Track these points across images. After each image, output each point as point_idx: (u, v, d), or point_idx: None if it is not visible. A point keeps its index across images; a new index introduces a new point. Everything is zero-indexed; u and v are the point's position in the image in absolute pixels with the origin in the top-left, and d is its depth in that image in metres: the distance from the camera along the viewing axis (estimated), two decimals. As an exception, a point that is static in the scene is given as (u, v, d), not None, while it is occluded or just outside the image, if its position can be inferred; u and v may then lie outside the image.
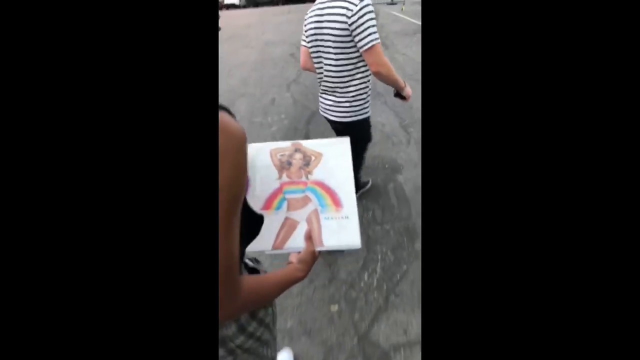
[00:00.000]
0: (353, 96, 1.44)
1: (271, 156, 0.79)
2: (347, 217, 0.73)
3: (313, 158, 0.78)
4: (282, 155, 0.79)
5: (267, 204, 0.75)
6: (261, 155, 0.78)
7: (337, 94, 1.46)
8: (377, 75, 1.33)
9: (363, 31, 1.23)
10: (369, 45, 1.24)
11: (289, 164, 0.78)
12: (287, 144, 0.80)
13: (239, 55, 6.83)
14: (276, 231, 0.71)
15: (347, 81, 1.40)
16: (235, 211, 0.47)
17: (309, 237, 0.69)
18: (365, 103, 1.50)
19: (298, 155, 0.78)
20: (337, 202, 0.75)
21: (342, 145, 0.79)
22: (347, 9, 1.24)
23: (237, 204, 0.47)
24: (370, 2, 1.24)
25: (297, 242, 0.71)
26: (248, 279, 0.53)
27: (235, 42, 8.40)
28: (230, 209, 0.45)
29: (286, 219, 0.74)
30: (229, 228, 0.46)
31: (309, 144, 0.80)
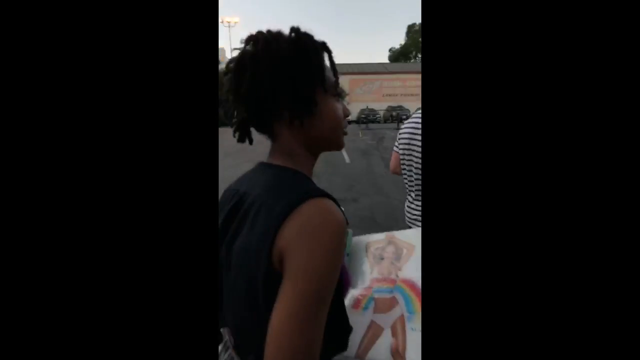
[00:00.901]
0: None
1: (367, 249, 0.76)
2: None
3: (405, 251, 0.73)
4: (376, 248, 0.76)
5: (357, 303, 0.70)
6: (357, 250, 0.75)
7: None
8: None
9: None
10: None
11: (381, 258, 0.74)
12: (382, 236, 0.76)
13: (241, 169, 5.92)
14: (361, 335, 0.64)
15: None
16: (325, 300, 0.43)
17: (396, 353, 0.61)
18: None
19: (390, 249, 0.74)
20: None
21: None
22: None
23: (328, 293, 0.43)
24: None
25: (379, 353, 0.63)
26: None
27: (237, 157, 7.87)
28: (321, 297, 0.42)
29: (372, 322, 0.67)
30: (315, 317, 0.41)
31: (403, 235, 0.75)
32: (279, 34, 0.51)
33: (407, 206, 1.55)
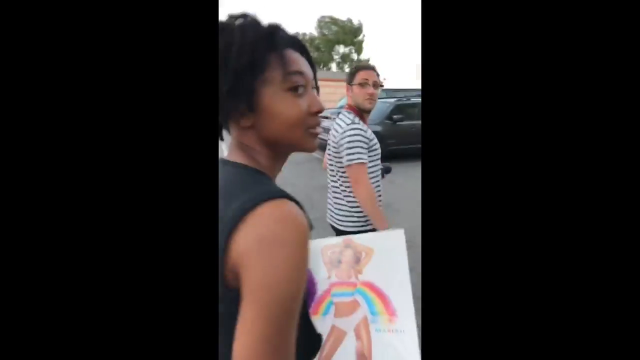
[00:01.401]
0: (351, 206, 1.38)
1: (322, 254, 0.73)
2: (402, 331, 0.62)
3: (364, 254, 0.71)
4: (332, 252, 0.73)
5: (315, 308, 0.67)
6: (313, 254, 0.69)
7: (338, 200, 1.43)
8: (354, 194, 1.31)
9: (344, 150, 1.29)
10: (347, 162, 1.29)
11: (339, 262, 0.72)
12: (338, 239, 0.74)
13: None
14: (322, 341, 0.58)
15: (346, 189, 1.38)
16: (293, 313, 0.37)
17: (361, 356, 0.60)
18: (364, 218, 1.37)
19: (348, 252, 0.72)
20: (390, 310, 0.65)
21: (396, 240, 0.70)
22: (336, 130, 1.37)
23: (295, 303, 0.38)
24: (357, 126, 1.30)
25: (344, 357, 0.61)
26: None
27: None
28: (289, 308, 0.37)
29: (333, 327, 0.65)
30: (285, 335, 0.37)
31: (360, 239, 0.74)
32: (225, 24, 0.46)
33: (329, 207, 1.48)
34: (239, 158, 0.48)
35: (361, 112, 1.35)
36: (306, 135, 0.47)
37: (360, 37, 31.56)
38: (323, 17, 30.81)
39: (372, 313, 0.65)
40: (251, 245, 0.37)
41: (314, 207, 3.81)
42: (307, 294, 0.50)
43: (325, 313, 0.67)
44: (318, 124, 0.49)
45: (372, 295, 0.67)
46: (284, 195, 0.41)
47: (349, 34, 30.79)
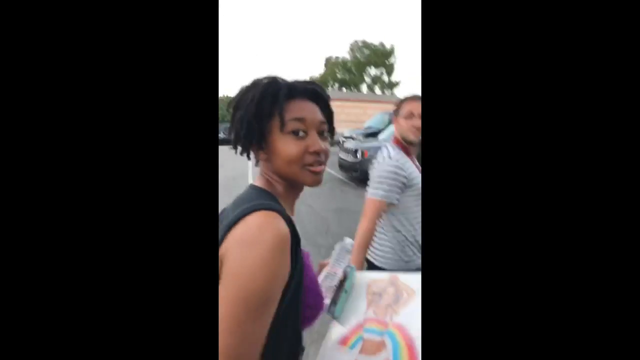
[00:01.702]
0: (384, 242, 1.30)
1: (367, 287, 0.74)
2: None
3: (405, 295, 0.70)
4: (377, 287, 0.73)
5: (346, 339, 0.68)
6: (359, 286, 0.73)
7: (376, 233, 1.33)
8: (359, 225, 1.24)
9: (371, 182, 1.26)
10: (367, 195, 1.25)
11: (380, 297, 0.71)
12: (385, 275, 0.75)
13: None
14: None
15: (380, 225, 1.31)
16: (256, 306, 0.43)
17: None
18: (389, 254, 1.28)
19: (391, 290, 0.72)
20: (413, 356, 0.62)
21: None
22: (375, 162, 1.33)
23: (259, 300, 0.43)
24: (392, 162, 1.21)
25: None
26: None
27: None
28: (250, 303, 0.43)
29: None
30: (245, 320, 0.42)
31: (406, 278, 0.72)
32: (255, 83, 0.59)
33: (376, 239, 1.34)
34: (258, 182, 0.59)
35: (406, 145, 1.28)
36: (303, 171, 0.55)
37: (391, 59, 31.87)
38: (356, 41, 31.73)
39: (395, 358, 0.64)
40: (232, 243, 0.45)
41: (329, 231, 3.53)
42: (299, 303, 0.54)
43: (353, 346, 0.67)
44: (317, 162, 0.56)
45: (400, 340, 0.67)
46: (272, 208, 0.49)
47: (381, 56, 31.25)
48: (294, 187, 0.60)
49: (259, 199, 0.52)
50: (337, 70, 31.64)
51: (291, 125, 0.55)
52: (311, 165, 0.56)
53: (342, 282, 0.72)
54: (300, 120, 0.56)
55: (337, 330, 0.69)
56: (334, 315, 0.69)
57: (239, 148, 0.59)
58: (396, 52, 31.69)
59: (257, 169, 0.63)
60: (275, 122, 0.55)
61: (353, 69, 31.70)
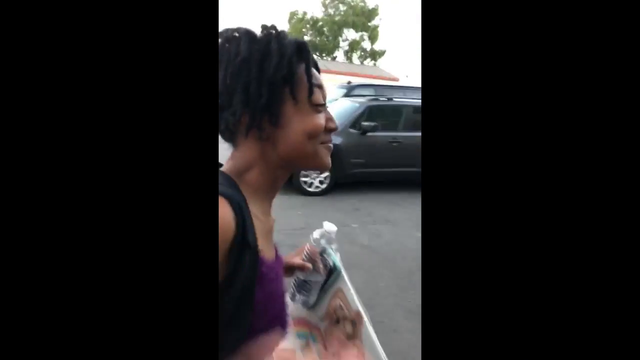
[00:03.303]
0: None
1: (335, 295, 0.69)
2: None
3: (355, 350, 0.64)
4: (341, 306, 0.67)
5: (299, 322, 0.70)
6: (333, 289, 0.69)
7: None
8: None
9: None
10: None
11: (337, 322, 0.67)
12: (356, 301, 0.66)
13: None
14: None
15: None
16: None
17: None
18: None
19: (348, 329, 0.66)
20: None
21: None
22: None
23: None
24: None
25: None
26: None
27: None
28: None
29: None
30: None
31: (366, 334, 0.63)
32: (245, 32, 0.48)
33: None
34: (227, 167, 0.51)
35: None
36: (322, 149, 0.50)
37: (374, 21, 26.83)
38: (331, -5, 26.20)
39: None
40: None
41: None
42: (257, 330, 0.48)
43: (298, 337, 0.69)
44: (330, 141, 0.52)
45: None
46: (223, 194, 0.44)
47: (361, 15, 26.07)
48: (282, 178, 0.53)
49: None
50: (304, 30, 26.05)
51: (317, 95, 0.49)
52: (328, 142, 0.52)
53: (326, 279, 0.68)
54: (322, 88, 0.50)
55: (289, 302, 0.68)
56: (307, 306, 0.69)
57: (245, 125, 0.48)
58: (380, 13, 26.71)
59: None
60: (299, 90, 0.48)
61: (325, 29, 26.40)
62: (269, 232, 0.55)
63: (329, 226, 0.73)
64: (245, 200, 0.47)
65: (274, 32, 0.48)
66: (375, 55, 26.45)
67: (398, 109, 5.37)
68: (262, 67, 0.46)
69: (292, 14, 27.05)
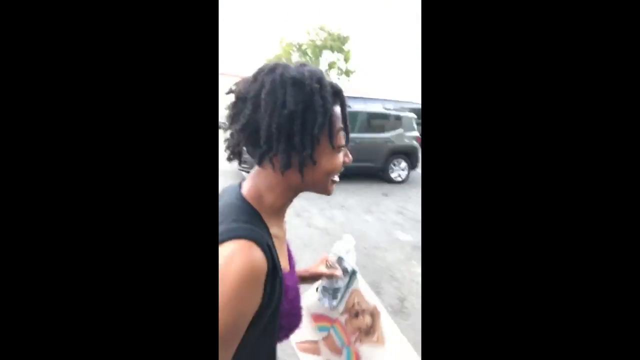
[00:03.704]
0: None
1: (352, 294, 0.78)
2: None
3: (375, 338, 0.73)
4: (359, 304, 0.76)
5: (318, 317, 0.81)
6: (351, 284, 0.78)
7: None
8: None
9: None
10: None
11: (356, 316, 0.76)
12: (373, 297, 0.77)
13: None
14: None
15: None
16: (221, 343, 0.45)
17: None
18: None
19: (368, 320, 0.75)
20: None
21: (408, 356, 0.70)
22: None
23: (227, 327, 0.45)
24: None
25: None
26: None
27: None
28: (222, 328, 0.44)
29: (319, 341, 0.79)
30: (223, 344, 0.45)
31: (386, 324, 0.74)
32: (292, 80, 0.49)
33: None
34: (246, 192, 0.57)
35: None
36: (331, 182, 0.58)
37: (347, 46, 29.84)
38: (313, 25, 29.18)
39: None
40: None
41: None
42: (282, 330, 0.56)
43: (321, 330, 0.80)
44: (340, 171, 0.59)
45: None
46: (248, 236, 0.48)
47: (337, 40, 29.00)
48: (292, 196, 0.59)
49: (239, 220, 0.51)
50: (292, 52, 28.66)
51: (340, 139, 0.55)
52: (337, 174, 0.59)
53: (346, 283, 0.79)
54: (343, 130, 0.56)
55: (314, 302, 0.81)
56: (332, 308, 0.80)
57: (286, 165, 0.52)
58: (352, 42, 29.65)
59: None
60: (324, 132, 0.52)
61: (309, 51, 29.01)
62: (282, 242, 0.59)
63: (348, 238, 0.83)
64: (266, 228, 0.52)
65: (316, 84, 0.48)
66: (348, 73, 29.48)
67: (354, 115, 6.41)
68: (306, 121, 0.47)
69: (282, 39, 30.10)
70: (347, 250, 0.83)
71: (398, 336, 0.72)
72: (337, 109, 0.54)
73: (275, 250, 0.52)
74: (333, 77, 31.15)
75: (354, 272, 0.81)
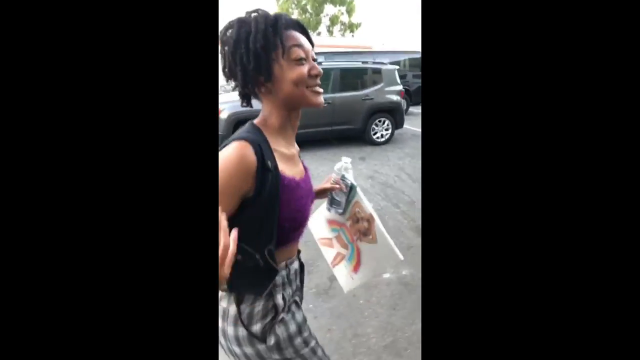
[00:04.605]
0: None
1: (354, 204, 1.02)
2: (353, 278, 1.05)
3: (370, 237, 0.98)
4: (359, 211, 1.00)
5: (331, 222, 1.11)
6: (353, 195, 1.02)
7: None
8: None
9: None
10: None
11: (357, 222, 1.01)
12: (369, 208, 0.99)
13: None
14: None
15: None
16: (222, 198, 0.61)
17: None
18: None
19: (365, 224, 0.99)
20: (356, 268, 1.03)
21: (392, 258, 0.96)
22: None
23: (222, 191, 0.61)
24: None
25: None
26: None
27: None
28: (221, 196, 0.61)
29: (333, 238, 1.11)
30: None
31: (377, 228, 0.97)
32: (237, 20, 0.70)
33: None
34: (257, 119, 0.77)
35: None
36: (309, 91, 0.73)
37: (350, -3, 27.50)
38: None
39: (349, 258, 1.05)
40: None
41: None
42: (286, 221, 0.73)
43: (333, 231, 1.10)
44: (318, 85, 0.74)
45: (355, 254, 1.03)
46: (244, 138, 0.67)
47: (337, -9, 26.70)
48: (292, 117, 0.76)
49: (243, 133, 0.70)
50: (290, 9, 26.85)
51: (295, 53, 0.70)
52: (314, 85, 0.73)
53: (347, 195, 1.02)
54: (300, 46, 0.71)
55: (326, 211, 1.10)
56: (339, 214, 1.06)
57: (246, 85, 0.72)
58: (356, -11, 27.24)
59: None
60: (278, 52, 0.69)
61: (308, 7, 27.06)
62: (292, 158, 0.76)
63: (346, 159, 1.04)
64: (265, 140, 0.69)
65: (254, 13, 0.68)
66: (352, 27, 27.35)
67: (326, 73, 5.77)
68: (248, 43, 0.65)
69: (279, -5, 27.96)
70: (346, 169, 1.03)
71: (386, 237, 0.96)
72: (291, 32, 0.71)
73: (271, 154, 0.70)
74: (336, 33, 29.24)
75: (353, 186, 1.01)
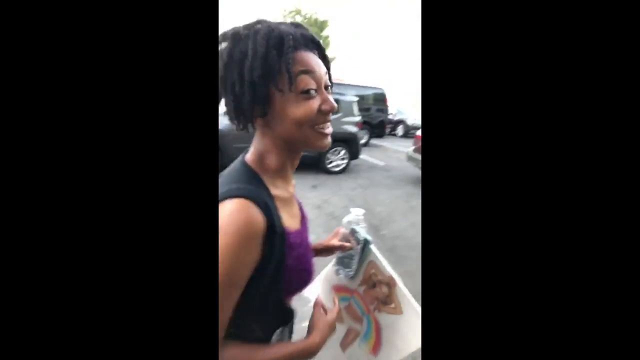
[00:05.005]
0: None
1: (369, 265, 0.82)
2: None
3: (393, 306, 0.77)
4: (375, 275, 0.80)
5: (339, 289, 0.88)
6: (366, 259, 0.82)
7: None
8: None
9: None
10: None
11: (373, 286, 0.80)
12: (388, 269, 0.79)
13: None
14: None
15: None
16: (221, 294, 0.48)
17: (318, 305, 0.69)
18: None
19: (384, 290, 0.78)
20: (375, 349, 0.78)
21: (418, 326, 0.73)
22: None
23: (225, 287, 0.48)
24: None
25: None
26: (231, 347, 0.53)
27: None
28: (222, 279, 0.48)
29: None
30: (222, 295, 0.48)
31: (401, 293, 0.76)
32: (232, 35, 0.52)
33: None
34: (248, 157, 0.60)
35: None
36: (314, 133, 0.56)
37: (325, 32, 28.70)
38: (289, 9, 27.73)
39: (365, 337, 0.80)
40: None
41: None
42: (290, 284, 0.59)
43: (342, 300, 0.84)
44: (327, 122, 0.57)
45: (373, 329, 0.79)
46: (246, 195, 0.51)
47: (314, 26, 27.83)
48: (293, 158, 0.62)
49: (239, 182, 0.54)
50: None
51: (302, 82, 0.53)
52: (322, 125, 0.57)
53: (360, 253, 0.82)
54: (310, 73, 0.53)
55: (333, 275, 0.88)
56: (348, 277, 0.85)
57: (238, 115, 0.56)
58: (330, 26, 28.50)
59: None
60: (283, 81, 0.52)
61: (284, 38, 28.09)
62: (289, 201, 0.61)
63: (357, 211, 0.85)
64: (267, 191, 0.54)
65: (254, 28, 0.51)
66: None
67: None
68: (242, 69, 0.49)
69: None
70: (358, 222, 0.86)
71: (414, 305, 0.74)
72: (301, 54, 0.53)
73: (276, 210, 0.54)
74: (310, 64, 30.50)
75: (366, 242, 0.82)
